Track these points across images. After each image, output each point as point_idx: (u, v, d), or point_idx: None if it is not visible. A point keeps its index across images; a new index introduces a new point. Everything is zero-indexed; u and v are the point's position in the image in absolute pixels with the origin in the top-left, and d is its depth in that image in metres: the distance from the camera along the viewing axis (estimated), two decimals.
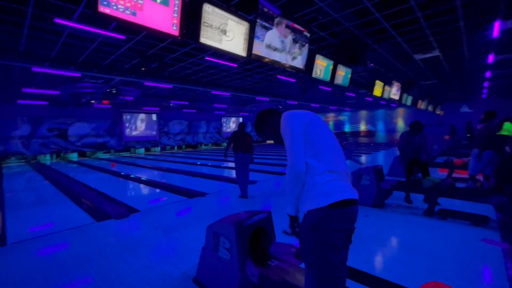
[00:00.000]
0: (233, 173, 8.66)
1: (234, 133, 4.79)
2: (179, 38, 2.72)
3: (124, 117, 17.44)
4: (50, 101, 13.50)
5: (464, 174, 5.54)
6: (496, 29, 5.26)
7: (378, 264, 2.43)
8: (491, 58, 7.61)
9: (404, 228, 3.29)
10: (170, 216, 4.03)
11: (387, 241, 2.94)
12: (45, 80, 9.72)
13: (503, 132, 5.34)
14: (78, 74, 8.28)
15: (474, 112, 17.14)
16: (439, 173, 6.19)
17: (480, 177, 4.73)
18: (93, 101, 11.97)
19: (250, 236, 1.84)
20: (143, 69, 7.50)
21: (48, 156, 14.65)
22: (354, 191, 1.20)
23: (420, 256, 2.49)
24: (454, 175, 6.00)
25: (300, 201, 1.22)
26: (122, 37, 5.41)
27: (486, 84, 12.19)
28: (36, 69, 7.22)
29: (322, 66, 5.36)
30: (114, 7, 2.18)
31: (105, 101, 12.10)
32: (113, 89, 10.35)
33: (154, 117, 18.98)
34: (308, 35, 4.52)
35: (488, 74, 9.97)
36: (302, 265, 1.62)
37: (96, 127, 16.42)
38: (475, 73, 10.06)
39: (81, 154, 16.01)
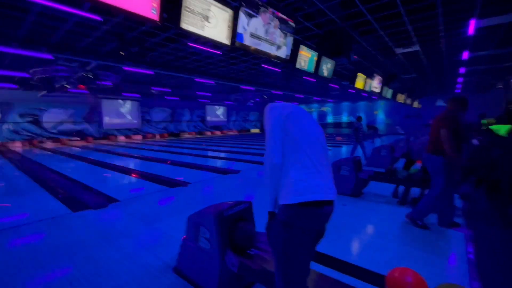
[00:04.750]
0: (214, 163, 8.63)
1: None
2: (159, 23, 2.61)
3: (103, 103, 16.70)
4: (20, 85, 12.60)
5: None
6: (472, 27, 5.48)
7: (353, 250, 2.56)
8: (466, 55, 7.96)
9: (378, 216, 3.47)
10: (151, 206, 3.98)
11: (362, 229, 3.09)
12: (14, 61, 9.03)
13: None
14: (50, 56, 7.75)
15: None
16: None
17: None
18: (67, 86, 11.29)
19: (230, 226, 1.86)
20: (122, 53, 7.15)
21: (19, 143, 13.84)
22: (330, 191, 1.17)
23: (392, 242, 2.66)
24: None
25: (278, 193, 1.22)
26: (98, 18, 5.10)
27: (460, 79, 12.78)
28: (3, 49, 6.67)
29: (306, 57, 5.37)
30: None
31: (81, 86, 11.45)
32: (90, 73, 9.81)
33: (135, 104, 18.33)
34: (293, 25, 4.48)
35: (462, 70, 10.44)
36: None
37: (73, 113, 15.65)
38: (451, 69, 10.51)
39: (57, 141, 15.26)
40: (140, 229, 3.09)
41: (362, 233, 2.98)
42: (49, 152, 11.42)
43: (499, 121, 6.65)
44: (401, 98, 14.30)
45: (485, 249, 2.51)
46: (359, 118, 8.61)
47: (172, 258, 2.34)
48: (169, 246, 2.60)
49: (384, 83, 10.53)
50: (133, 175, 6.49)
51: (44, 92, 12.35)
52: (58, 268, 2.26)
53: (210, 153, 10.86)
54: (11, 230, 3.06)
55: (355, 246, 2.66)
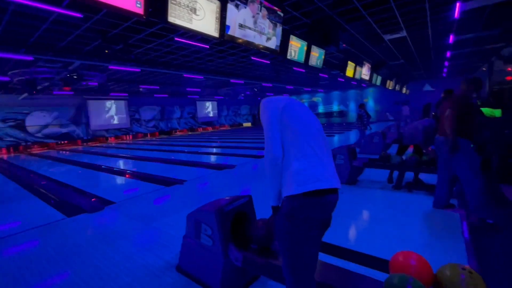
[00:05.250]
0: (209, 159, 8.56)
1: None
2: (144, 17, 2.51)
3: (90, 104, 16.25)
4: (0, 88, 12.08)
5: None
6: (457, 10, 5.53)
7: (352, 237, 2.60)
8: (451, 38, 8.06)
9: (375, 202, 3.53)
10: (148, 206, 3.93)
11: (360, 215, 3.14)
12: None
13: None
14: (30, 58, 7.42)
15: (435, 91, 18.35)
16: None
17: None
18: (52, 88, 10.89)
19: (231, 221, 1.85)
20: (106, 51, 6.91)
21: (4, 150, 13.38)
22: (334, 179, 1.16)
23: (390, 227, 2.71)
24: None
25: (281, 186, 1.20)
26: (78, 15, 4.89)
27: (446, 63, 12.98)
28: None
29: (296, 47, 5.32)
30: None
31: (66, 88, 11.06)
32: (74, 74, 9.47)
33: (123, 103, 17.90)
34: (282, 14, 4.42)
35: (448, 54, 10.60)
36: None
37: (58, 116, 15.16)
38: (437, 53, 10.65)
39: (45, 146, 14.82)
40: (138, 230, 3.04)
41: (361, 220, 3.02)
42: (37, 157, 11.09)
43: (485, 104, 6.82)
44: (390, 84, 14.45)
45: (479, 227, 2.59)
46: (361, 106, 8.62)
47: (174, 257, 2.32)
48: (169, 245, 2.58)
49: (373, 70, 10.60)
50: (127, 176, 6.38)
51: (25, 95, 11.88)
52: (56, 274, 2.21)
53: (204, 150, 10.78)
54: (6, 239, 2.97)
55: (354, 233, 2.70)
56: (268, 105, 1.31)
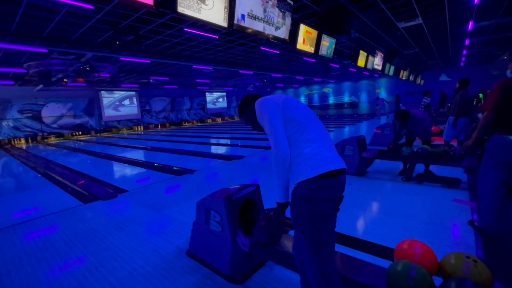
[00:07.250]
0: (218, 149, 8.66)
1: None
2: (154, 7, 2.52)
3: (102, 95, 16.58)
4: (17, 80, 12.48)
5: (440, 141, 5.84)
6: None
7: (360, 227, 2.62)
8: (471, 25, 7.69)
9: (384, 194, 3.51)
10: (159, 194, 4.05)
11: (369, 206, 3.14)
12: (8, 57, 8.89)
13: None
14: (44, 50, 7.60)
15: (452, 80, 17.66)
16: (417, 140, 6.49)
17: (454, 143, 5.02)
18: (65, 80, 11.16)
19: (239, 208, 1.90)
20: (117, 42, 7.00)
21: (23, 140, 13.96)
22: (341, 161, 1.24)
23: (398, 218, 2.70)
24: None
25: (291, 178, 1.23)
26: (90, 7, 4.95)
27: (464, 52, 12.42)
28: None
29: (307, 36, 5.22)
30: None
31: (79, 79, 11.32)
32: (87, 65, 9.66)
33: (134, 94, 18.18)
34: (291, 2, 4.33)
35: (467, 42, 10.12)
36: (291, 232, 1.71)
37: (72, 107, 15.59)
38: (455, 41, 10.20)
39: (60, 136, 15.35)
40: (151, 217, 3.16)
41: (369, 210, 3.03)
42: (54, 147, 11.51)
43: None
44: (403, 74, 14.01)
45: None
46: (427, 93, 8.00)
47: (184, 242, 2.41)
48: (180, 231, 2.68)
49: (386, 60, 10.28)
50: (139, 165, 6.56)
51: (40, 86, 12.24)
52: (75, 257, 2.34)
53: (213, 141, 10.89)
54: (27, 223, 3.15)
55: (362, 223, 2.71)
56: (266, 104, 1.31)
